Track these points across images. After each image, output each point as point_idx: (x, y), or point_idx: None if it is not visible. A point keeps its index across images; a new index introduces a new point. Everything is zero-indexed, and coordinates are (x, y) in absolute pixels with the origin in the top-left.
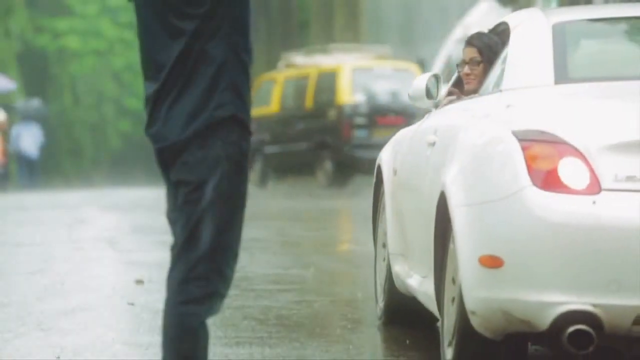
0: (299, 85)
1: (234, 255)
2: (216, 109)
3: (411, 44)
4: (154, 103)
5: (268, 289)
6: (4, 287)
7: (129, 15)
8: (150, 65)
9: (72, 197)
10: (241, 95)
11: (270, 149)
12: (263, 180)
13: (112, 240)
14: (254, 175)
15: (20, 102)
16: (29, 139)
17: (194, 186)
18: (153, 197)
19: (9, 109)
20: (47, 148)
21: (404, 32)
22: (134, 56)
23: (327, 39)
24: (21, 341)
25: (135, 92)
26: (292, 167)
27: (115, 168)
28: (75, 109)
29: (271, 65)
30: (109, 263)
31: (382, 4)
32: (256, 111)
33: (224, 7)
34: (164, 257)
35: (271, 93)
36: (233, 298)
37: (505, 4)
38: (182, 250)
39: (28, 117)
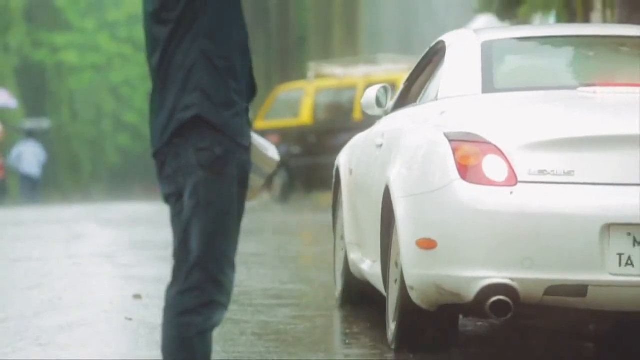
0: (340, 96)
1: (228, 262)
2: (181, 111)
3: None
4: (149, 112)
5: (266, 303)
6: (2, 302)
7: (127, 30)
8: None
9: (70, 212)
10: (211, 98)
11: (298, 162)
12: (285, 194)
13: (110, 255)
14: (274, 189)
15: (26, 121)
16: (31, 158)
17: (176, 197)
18: (151, 212)
19: (9, 126)
20: (46, 163)
21: (401, 46)
22: (132, 71)
23: (325, 53)
24: (19, 356)
25: (133, 107)
26: (325, 180)
27: (113, 183)
28: (74, 123)
29: (270, 78)
30: (107, 278)
31: (380, 18)
32: (278, 123)
33: (194, 12)
34: (161, 272)
35: (298, 104)
36: (231, 313)
37: (503, 18)
38: (176, 262)
39: (30, 135)
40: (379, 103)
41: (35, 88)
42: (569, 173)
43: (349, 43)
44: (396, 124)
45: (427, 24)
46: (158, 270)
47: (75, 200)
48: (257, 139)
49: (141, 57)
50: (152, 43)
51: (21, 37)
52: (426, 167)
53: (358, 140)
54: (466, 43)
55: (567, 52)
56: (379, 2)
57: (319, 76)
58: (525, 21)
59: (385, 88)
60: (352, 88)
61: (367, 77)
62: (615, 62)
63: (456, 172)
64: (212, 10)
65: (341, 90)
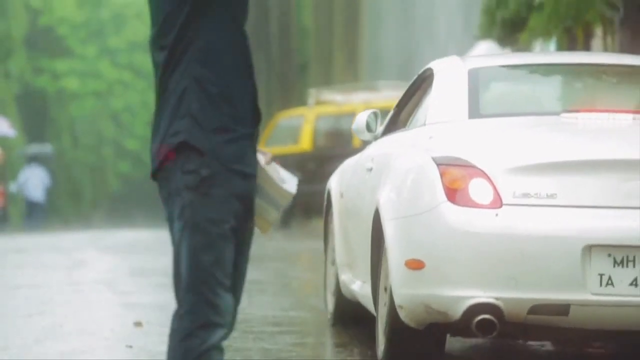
0: (340, 123)
1: (219, 283)
2: (171, 137)
3: None
4: (151, 136)
5: (267, 330)
6: (3, 329)
7: (128, 57)
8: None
9: (71, 239)
10: (200, 124)
11: (298, 189)
12: (285, 221)
13: (110, 283)
14: None
15: (29, 146)
16: (36, 183)
17: (169, 221)
18: (151, 239)
19: (10, 153)
20: (50, 187)
21: (402, 73)
22: (133, 97)
23: (326, 80)
24: None
25: (134, 133)
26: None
27: (114, 209)
28: (75, 150)
29: (271, 105)
30: (107, 305)
31: (381, 44)
32: (279, 149)
33: (187, 38)
34: (162, 299)
35: (298, 131)
36: (232, 340)
37: (504, 44)
38: (174, 285)
39: (35, 161)
40: (369, 128)
41: (36, 115)
42: (552, 196)
43: (350, 70)
44: (386, 149)
45: (427, 50)
46: (159, 297)
47: (76, 227)
48: (273, 170)
49: (142, 84)
50: (154, 69)
51: (22, 64)
52: (415, 190)
53: (348, 164)
54: (453, 70)
55: (551, 79)
56: (380, 29)
57: (319, 103)
58: (526, 47)
59: (375, 114)
60: (352, 115)
61: (366, 104)
62: (597, 89)
63: (444, 195)
64: (205, 36)
65: (341, 116)
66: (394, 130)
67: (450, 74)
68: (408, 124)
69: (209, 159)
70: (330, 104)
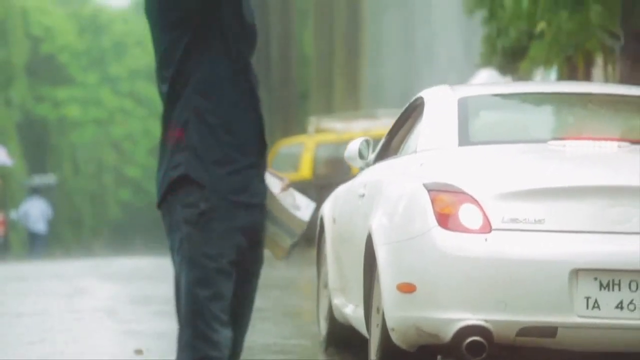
0: (339, 151)
1: (215, 318)
2: (172, 170)
3: None
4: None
5: (269, 359)
6: (4, 357)
7: (129, 85)
8: None
9: (72, 266)
10: (200, 156)
11: None
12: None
13: (111, 310)
14: None
15: (32, 178)
16: (38, 214)
17: (172, 252)
18: (152, 267)
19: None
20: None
21: (403, 101)
22: (134, 125)
23: (327, 107)
24: None
25: (135, 161)
26: None
27: (115, 237)
28: (75, 178)
29: (272, 133)
30: (108, 333)
31: (382, 73)
32: None
33: (187, 70)
34: (163, 327)
35: (298, 159)
36: None
37: (505, 72)
38: (176, 315)
39: (37, 192)
40: (361, 155)
41: (37, 142)
42: (540, 221)
43: (350, 98)
44: (378, 175)
45: (428, 78)
46: (159, 325)
47: (77, 254)
48: (289, 196)
49: (142, 112)
50: (161, 99)
51: (23, 92)
52: (406, 215)
53: (341, 190)
54: (443, 99)
55: (539, 107)
56: (380, 57)
57: (319, 131)
58: (527, 76)
59: (367, 141)
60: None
61: (366, 132)
62: (584, 118)
63: (434, 220)
64: (205, 68)
65: (340, 144)
66: (386, 157)
67: (440, 103)
68: (399, 151)
69: (208, 192)
70: (330, 132)
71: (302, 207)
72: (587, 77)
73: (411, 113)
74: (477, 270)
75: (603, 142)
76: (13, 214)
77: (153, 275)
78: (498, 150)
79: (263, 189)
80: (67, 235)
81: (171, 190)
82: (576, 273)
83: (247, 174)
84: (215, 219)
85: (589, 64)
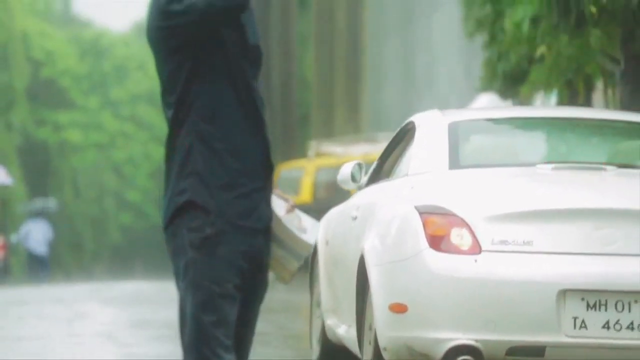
0: None
1: (220, 344)
2: (177, 196)
3: None
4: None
5: None
6: None
7: (130, 109)
8: None
9: (72, 291)
10: (205, 181)
11: None
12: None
13: (111, 335)
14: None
15: (34, 201)
16: (39, 237)
17: (176, 276)
18: (153, 291)
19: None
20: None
21: None
22: (135, 149)
23: (327, 131)
24: None
25: (136, 185)
26: None
27: (115, 261)
28: (76, 202)
29: (273, 156)
30: (108, 357)
31: (382, 96)
32: None
33: (191, 95)
34: (163, 351)
35: (299, 182)
36: None
37: (505, 96)
38: (180, 340)
39: (38, 215)
40: (353, 179)
41: (38, 166)
42: (528, 243)
43: (351, 122)
44: (370, 198)
45: (429, 102)
46: (159, 349)
47: (78, 279)
48: (294, 218)
49: (143, 136)
50: (166, 123)
51: (24, 116)
52: (398, 237)
53: (334, 213)
54: (434, 123)
55: (528, 132)
56: (381, 81)
57: (319, 155)
58: (527, 100)
59: (359, 165)
60: None
61: (366, 156)
62: (570, 142)
63: (426, 242)
64: (209, 93)
65: (340, 168)
66: (378, 180)
67: (431, 127)
68: (391, 174)
69: (214, 217)
70: (330, 155)
71: (307, 229)
72: (588, 101)
73: (402, 137)
74: (467, 291)
75: (590, 166)
76: (13, 238)
77: (154, 299)
78: (487, 174)
79: (269, 212)
80: (68, 259)
81: (177, 215)
82: (564, 293)
83: (254, 198)
84: (221, 244)
85: (589, 88)
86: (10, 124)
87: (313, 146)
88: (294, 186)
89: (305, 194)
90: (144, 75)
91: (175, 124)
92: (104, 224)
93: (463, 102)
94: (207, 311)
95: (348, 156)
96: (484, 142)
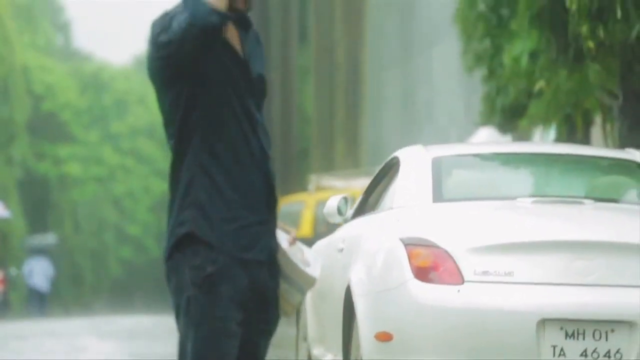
0: None
1: None
2: (178, 227)
3: None
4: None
5: None
6: None
7: (131, 142)
8: None
9: (72, 325)
10: (207, 213)
11: None
12: None
13: None
14: None
15: (33, 238)
16: (41, 274)
17: (176, 311)
18: (152, 324)
19: (9, 236)
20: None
21: None
22: (135, 182)
23: (327, 165)
24: None
25: (136, 219)
26: None
27: (115, 295)
28: (76, 235)
29: None
30: None
31: (382, 131)
32: None
33: (190, 128)
34: None
35: (299, 216)
36: None
37: (505, 131)
38: None
39: (39, 252)
40: (339, 212)
41: (38, 200)
42: (509, 273)
43: (350, 156)
44: (356, 230)
45: (429, 136)
46: None
47: (77, 313)
48: (297, 251)
49: (143, 169)
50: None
51: (24, 150)
52: (384, 268)
53: (320, 245)
54: (418, 158)
55: (508, 167)
56: (381, 115)
57: (319, 189)
58: (526, 134)
59: (345, 198)
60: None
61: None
62: (549, 177)
63: (411, 272)
64: (209, 127)
65: None
66: (363, 213)
67: (415, 162)
68: (376, 207)
69: (215, 253)
70: (330, 189)
71: (311, 262)
72: (586, 135)
73: (387, 172)
74: (450, 320)
75: (568, 200)
76: (13, 272)
77: (153, 333)
78: (470, 207)
79: (274, 245)
80: (68, 293)
81: (178, 248)
82: (543, 323)
83: (256, 231)
84: (223, 281)
85: (588, 122)
86: (10, 158)
87: (313, 180)
88: (294, 220)
89: (306, 228)
90: (145, 109)
91: (177, 155)
92: (103, 258)
93: (463, 136)
94: (209, 349)
95: (348, 190)
96: (466, 177)
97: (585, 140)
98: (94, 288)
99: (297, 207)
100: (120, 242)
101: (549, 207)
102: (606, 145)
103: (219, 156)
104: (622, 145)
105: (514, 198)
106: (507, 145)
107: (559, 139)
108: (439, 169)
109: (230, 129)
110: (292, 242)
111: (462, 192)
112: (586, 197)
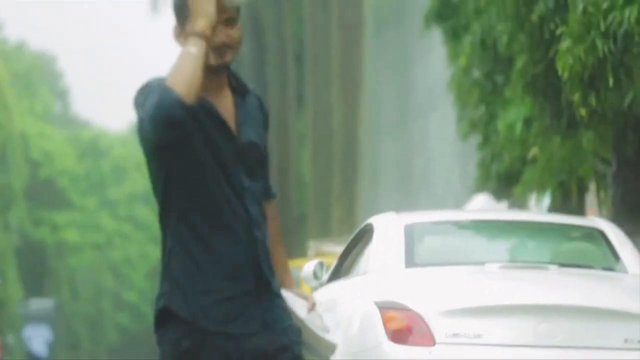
0: None
1: None
2: (157, 300)
3: None
4: None
5: None
6: None
7: (128, 209)
8: None
9: None
10: (182, 287)
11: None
12: None
13: None
14: None
15: (31, 303)
16: (40, 340)
17: None
18: None
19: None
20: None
21: None
22: (132, 249)
23: (324, 231)
24: None
25: (133, 285)
26: None
27: None
28: (74, 302)
29: None
30: None
31: (379, 197)
32: None
33: (170, 198)
34: None
35: (298, 282)
36: None
37: (500, 197)
38: None
39: (37, 319)
40: (315, 276)
41: (35, 267)
42: (478, 336)
43: (347, 221)
44: (331, 294)
45: (425, 203)
46: None
47: None
48: (316, 318)
49: (141, 236)
50: None
51: (22, 216)
52: (359, 330)
53: None
54: (391, 225)
55: (477, 234)
56: (378, 182)
57: (319, 254)
58: (521, 200)
59: (321, 263)
60: None
61: None
62: (517, 243)
63: (385, 335)
64: (185, 194)
65: None
66: (338, 278)
67: (388, 229)
68: (351, 272)
69: (190, 328)
70: (330, 255)
71: (331, 328)
72: (580, 202)
73: (361, 237)
74: None
75: (534, 265)
76: (9, 339)
77: None
78: (441, 272)
79: (267, 317)
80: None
81: (160, 322)
82: None
83: (238, 304)
84: (199, 357)
85: (581, 189)
86: (7, 224)
87: (313, 246)
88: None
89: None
90: (142, 175)
91: (161, 224)
92: (101, 324)
93: (459, 202)
94: None
95: None
96: (437, 243)
97: (580, 207)
98: (91, 354)
99: (297, 273)
100: (118, 308)
101: (516, 272)
102: (600, 212)
103: (196, 227)
104: (616, 211)
105: (482, 263)
106: (476, 213)
107: (554, 206)
108: (411, 235)
109: (211, 197)
110: (311, 309)
111: (433, 258)
112: (551, 263)
